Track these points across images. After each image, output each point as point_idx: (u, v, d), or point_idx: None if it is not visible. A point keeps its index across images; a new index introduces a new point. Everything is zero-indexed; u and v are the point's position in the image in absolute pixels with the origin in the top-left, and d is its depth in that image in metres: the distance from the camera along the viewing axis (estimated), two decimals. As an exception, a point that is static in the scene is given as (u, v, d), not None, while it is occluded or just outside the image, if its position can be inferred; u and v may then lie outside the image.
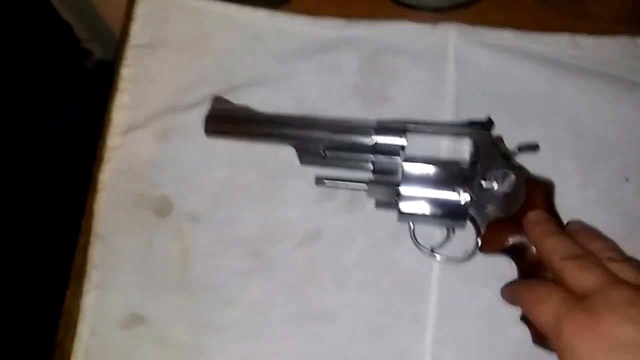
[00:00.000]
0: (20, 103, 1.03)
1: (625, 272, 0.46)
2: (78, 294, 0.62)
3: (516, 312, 0.55)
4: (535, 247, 0.53)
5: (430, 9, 0.69)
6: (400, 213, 0.57)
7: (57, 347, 0.62)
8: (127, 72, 0.67)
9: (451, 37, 0.66)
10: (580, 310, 0.44)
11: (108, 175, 0.64)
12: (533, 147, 0.58)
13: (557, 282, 0.49)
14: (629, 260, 0.49)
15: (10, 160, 1.05)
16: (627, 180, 0.61)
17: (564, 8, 0.68)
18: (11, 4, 0.99)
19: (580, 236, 0.52)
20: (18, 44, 1.00)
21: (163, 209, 0.63)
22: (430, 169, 0.57)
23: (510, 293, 0.55)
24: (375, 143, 0.58)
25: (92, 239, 0.63)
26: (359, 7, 0.69)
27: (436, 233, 0.60)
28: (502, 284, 0.57)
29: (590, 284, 0.45)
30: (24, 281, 1.06)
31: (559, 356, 0.45)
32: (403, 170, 0.57)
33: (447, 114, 0.64)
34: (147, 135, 0.65)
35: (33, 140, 1.04)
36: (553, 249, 0.50)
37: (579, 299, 0.45)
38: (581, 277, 0.46)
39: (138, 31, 0.68)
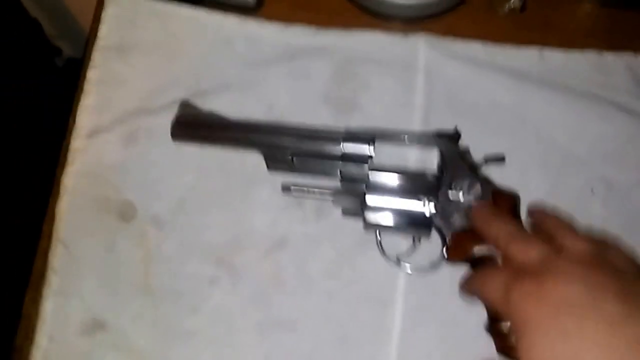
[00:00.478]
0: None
1: (577, 243, 0.47)
2: (37, 299, 0.61)
3: (481, 322, 0.55)
4: (482, 233, 0.53)
5: (400, 19, 0.69)
6: (366, 222, 0.57)
7: (16, 353, 0.60)
8: (93, 73, 0.66)
9: (421, 48, 0.66)
10: (527, 277, 0.45)
11: (71, 178, 0.63)
12: (499, 159, 0.58)
13: (505, 262, 0.51)
14: (583, 233, 0.50)
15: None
16: (593, 192, 0.62)
17: (532, 21, 0.69)
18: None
19: (535, 214, 0.55)
20: None
21: (127, 213, 0.62)
22: (396, 179, 0.57)
23: (464, 285, 0.55)
24: (344, 151, 0.58)
25: (53, 243, 0.62)
26: (330, 15, 0.69)
27: (403, 242, 0.60)
28: (467, 294, 0.58)
29: (535, 256, 0.46)
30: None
31: (511, 326, 0.46)
32: (369, 179, 0.57)
33: (416, 124, 0.64)
34: (112, 138, 0.64)
35: None
36: (497, 231, 0.51)
37: (525, 272, 0.46)
38: (525, 252, 0.47)
39: (106, 33, 0.67)
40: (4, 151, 1.02)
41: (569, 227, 0.52)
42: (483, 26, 0.68)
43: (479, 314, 0.56)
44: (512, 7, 0.68)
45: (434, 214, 0.56)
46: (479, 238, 0.55)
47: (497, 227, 0.52)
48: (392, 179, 0.57)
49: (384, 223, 0.57)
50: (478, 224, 0.54)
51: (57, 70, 1.20)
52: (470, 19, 0.69)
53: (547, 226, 0.52)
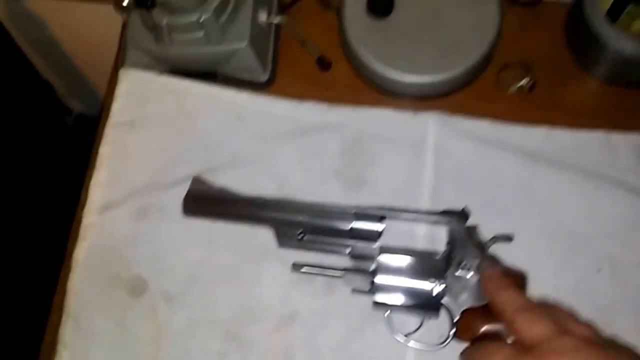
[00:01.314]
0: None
1: (581, 327, 0.48)
2: (47, 374, 0.61)
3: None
4: (490, 301, 0.53)
5: (410, 96, 0.71)
6: (375, 303, 0.58)
7: None
8: (106, 149, 0.67)
9: (430, 126, 0.67)
10: (528, 356, 0.45)
11: (83, 253, 0.64)
12: (508, 238, 0.59)
13: (509, 333, 0.51)
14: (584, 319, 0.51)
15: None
16: (599, 271, 0.62)
17: (541, 101, 0.70)
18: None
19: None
20: None
21: (137, 288, 0.63)
22: (405, 260, 0.58)
23: (464, 357, 0.55)
24: (353, 229, 0.59)
25: (64, 317, 0.62)
26: (341, 91, 0.70)
27: (411, 319, 0.60)
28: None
29: (538, 334, 0.46)
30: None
31: None
32: (378, 261, 0.58)
33: (424, 201, 0.64)
34: (124, 213, 0.65)
35: (8, 205, 1.02)
36: (506, 301, 0.51)
37: (528, 350, 0.46)
38: (531, 327, 0.47)
39: (119, 109, 0.69)
40: (16, 217, 1.02)
41: (571, 314, 0.52)
42: (492, 105, 0.69)
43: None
44: (521, 87, 0.70)
45: (443, 293, 0.56)
46: (487, 316, 0.55)
47: (507, 296, 0.52)
48: (401, 260, 0.58)
49: (393, 303, 0.57)
50: (487, 290, 0.54)
51: (67, 128, 1.21)
52: (479, 97, 0.70)
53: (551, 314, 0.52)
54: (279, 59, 0.74)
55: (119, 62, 0.73)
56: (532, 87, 0.71)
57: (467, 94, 0.71)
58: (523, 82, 0.70)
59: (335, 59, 0.73)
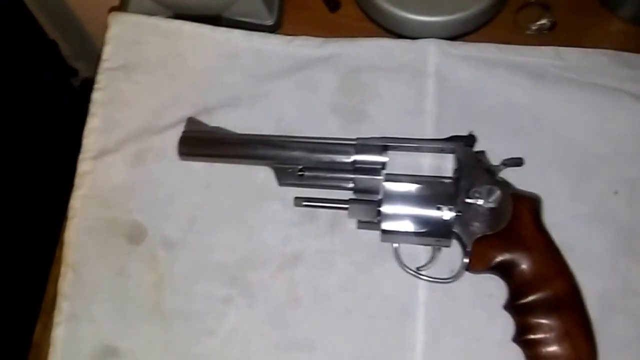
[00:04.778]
0: (2, 123, 1.01)
1: None
2: (49, 326, 0.59)
3: (507, 332, 0.53)
4: None
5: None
6: (383, 232, 0.55)
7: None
8: (99, 95, 0.65)
9: (431, 52, 0.64)
10: None
11: (79, 202, 0.62)
12: (518, 162, 0.56)
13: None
14: None
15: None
16: (616, 193, 0.59)
17: (561, 41, 0.66)
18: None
19: None
20: (2, 61, 0.99)
21: (136, 235, 0.61)
22: (412, 187, 0.55)
23: None
24: (355, 161, 0.57)
25: (63, 268, 0.60)
26: (349, 35, 0.67)
27: (421, 253, 0.58)
28: (491, 303, 0.55)
29: None
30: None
31: None
32: (384, 189, 0.55)
33: (428, 131, 0.62)
34: (119, 159, 0.63)
35: (14, 161, 1.01)
36: None
37: None
38: None
39: (110, 54, 0.67)
40: (20, 174, 1.02)
41: None
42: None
43: (504, 325, 0.54)
44: (541, 27, 0.67)
45: (454, 221, 0.54)
46: (501, 245, 0.53)
47: None
48: (407, 188, 0.55)
49: (402, 230, 0.55)
50: None
51: (73, 90, 1.21)
52: (496, 38, 0.66)
53: None
54: (286, 2, 0.72)
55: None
56: (552, 27, 0.68)
57: (484, 35, 0.68)
58: (543, 21, 0.68)
59: (344, 0, 0.71)
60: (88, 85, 0.67)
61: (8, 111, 1.00)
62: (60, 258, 0.61)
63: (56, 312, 0.59)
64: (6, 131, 1.00)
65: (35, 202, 1.03)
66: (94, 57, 0.69)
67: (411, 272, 0.56)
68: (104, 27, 0.68)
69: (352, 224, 0.58)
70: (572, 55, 0.63)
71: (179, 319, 0.58)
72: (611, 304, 0.56)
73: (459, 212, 0.54)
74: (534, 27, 0.68)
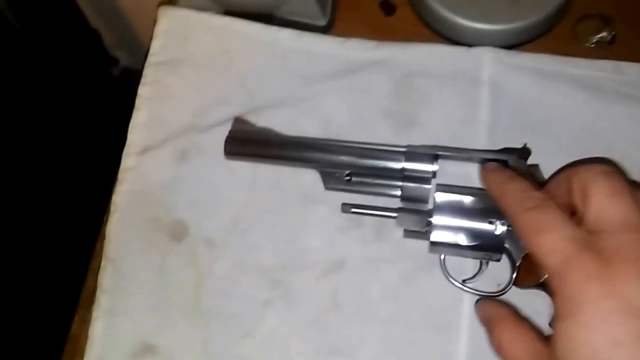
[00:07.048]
0: (43, 112, 1.01)
1: None
2: (87, 319, 0.59)
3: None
4: (497, 200, 0.50)
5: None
6: (432, 243, 0.54)
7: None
8: (145, 90, 0.65)
9: (486, 61, 0.63)
10: (590, 254, 0.39)
11: (122, 197, 0.62)
12: (572, 177, 0.55)
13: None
14: None
15: (28, 174, 1.02)
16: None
17: (622, 55, 0.64)
18: (40, 10, 0.97)
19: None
20: (45, 50, 0.99)
21: (178, 233, 0.60)
22: (464, 199, 0.54)
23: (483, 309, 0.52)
24: (404, 169, 0.56)
25: (103, 262, 0.60)
26: (404, 39, 0.66)
27: (467, 266, 0.57)
28: (536, 319, 0.54)
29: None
30: (30, 304, 1.03)
31: (556, 299, 0.41)
32: (435, 200, 0.54)
33: (480, 141, 0.61)
34: (163, 156, 0.63)
35: (54, 152, 1.02)
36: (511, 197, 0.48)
37: (586, 235, 0.41)
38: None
39: (158, 48, 0.66)
40: (61, 165, 1.02)
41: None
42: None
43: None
44: (600, 39, 0.66)
45: (505, 235, 0.53)
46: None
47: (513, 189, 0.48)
48: (459, 199, 0.54)
49: (451, 242, 0.54)
50: (490, 187, 0.51)
51: (113, 79, 1.20)
52: (554, 50, 0.64)
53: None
54: (339, 3, 0.70)
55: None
56: (612, 40, 0.66)
57: (541, 45, 0.66)
58: (602, 34, 0.66)
59: (399, 3, 0.70)
60: (127, 74, 0.66)
61: (48, 99, 1.01)
62: (100, 251, 0.61)
63: (95, 306, 0.59)
64: (45, 119, 1.00)
65: (77, 192, 1.03)
66: (136, 47, 0.69)
67: (457, 284, 0.55)
68: (148, 17, 0.68)
69: (398, 232, 0.57)
70: (632, 70, 0.62)
71: (218, 319, 0.58)
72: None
73: (509, 226, 0.53)
74: (593, 40, 0.66)
